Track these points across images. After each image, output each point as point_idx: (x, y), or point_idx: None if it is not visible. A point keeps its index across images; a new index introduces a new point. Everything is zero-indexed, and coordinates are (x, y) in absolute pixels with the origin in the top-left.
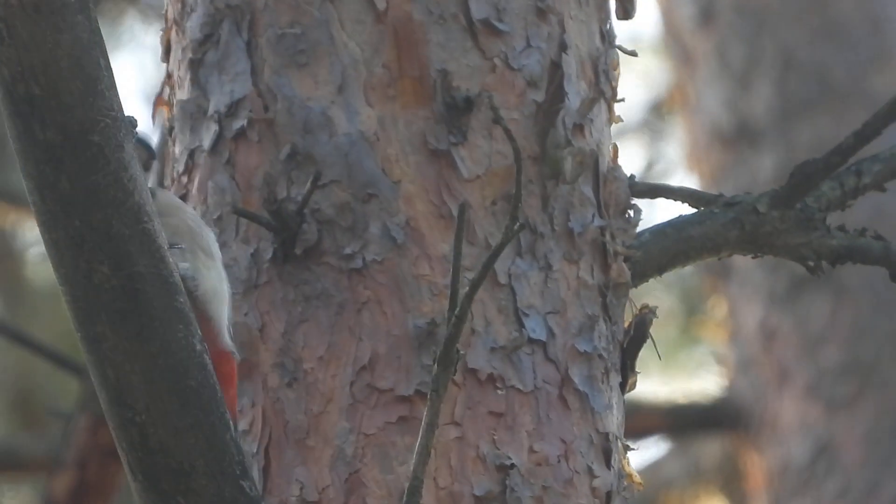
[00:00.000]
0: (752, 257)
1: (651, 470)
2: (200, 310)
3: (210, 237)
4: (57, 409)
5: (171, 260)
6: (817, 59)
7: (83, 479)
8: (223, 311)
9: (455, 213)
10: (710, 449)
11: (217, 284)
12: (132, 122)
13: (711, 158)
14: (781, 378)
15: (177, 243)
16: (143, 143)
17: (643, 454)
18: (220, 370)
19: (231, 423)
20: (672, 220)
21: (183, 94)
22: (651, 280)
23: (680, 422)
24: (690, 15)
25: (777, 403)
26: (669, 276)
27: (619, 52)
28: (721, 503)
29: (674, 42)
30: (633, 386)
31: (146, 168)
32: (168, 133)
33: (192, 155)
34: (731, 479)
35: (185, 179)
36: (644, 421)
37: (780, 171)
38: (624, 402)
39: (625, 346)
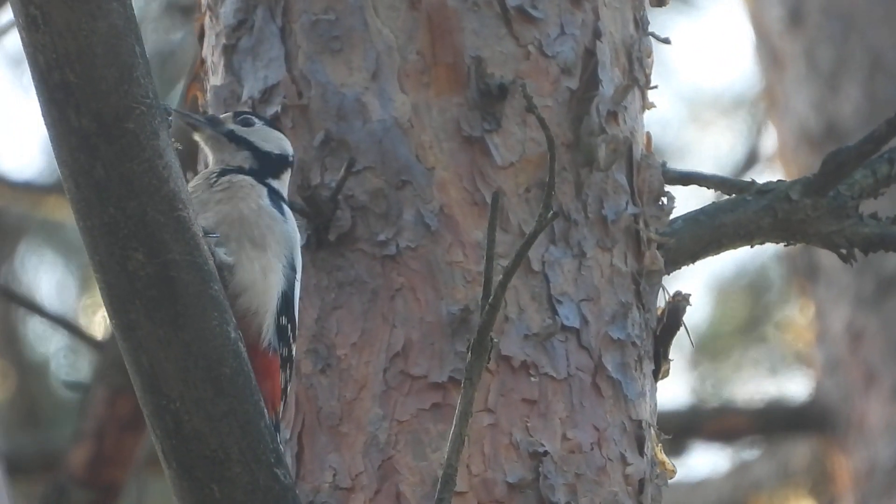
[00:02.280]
0: (785, 245)
1: (740, 472)
2: (232, 294)
3: (271, 226)
4: (75, 381)
5: (205, 247)
6: None
7: (100, 451)
8: (263, 303)
9: (489, 199)
10: (800, 451)
11: (256, 277)
12: (167, 110)
13: (799, 160)
14: (868, 380)
15: (213, 231)
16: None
17: (733, 455)
18: (254, 364)
19: (265, 410)
20: (705, 207)
21: (217, 79)
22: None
23: (769, 423)
24: (779, 17)
25: (864, 405)
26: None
27: (653, 39)
28: None
29: (762, 44)
30: (667, 374)
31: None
32: None
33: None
34: (819, 480)
35: None
36: (733, 422)
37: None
38: (657, 389)
39: (658, 333)
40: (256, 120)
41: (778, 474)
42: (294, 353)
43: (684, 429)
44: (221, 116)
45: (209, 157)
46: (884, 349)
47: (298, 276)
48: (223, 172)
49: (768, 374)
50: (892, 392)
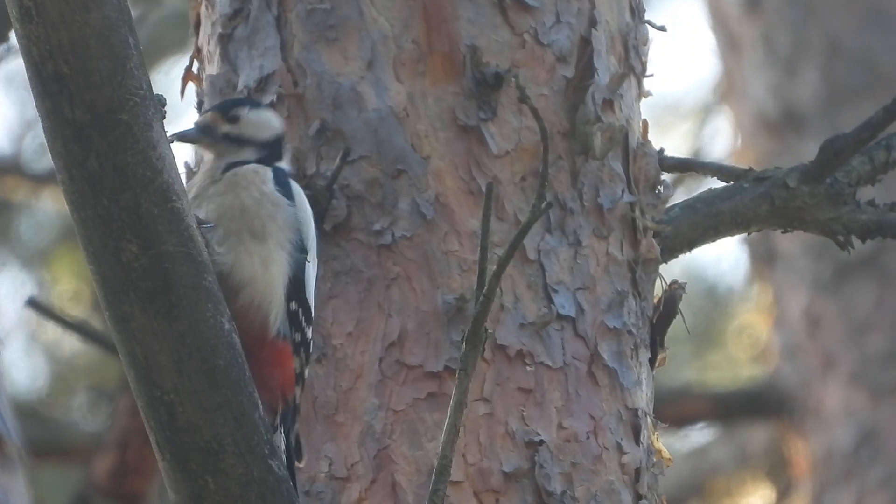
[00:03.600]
0: (782, 232)
1: (698, 455)
2: (232, 290)
3: (273, 215)
4: (100, 390)
5: (199, 238)
6: (863, 45)
7: (124, 461)
8: (266, 295)
9: (484, 188)
10: (758, 435)
11: (256, 270)
12: (161, 101)
13: (758, 145)
14: (826, 365)
15: (207, 222)
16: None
17: (690, 440)
18: (258, 354)
19: (259, 402)
20: (701, 194)
21: (212, 68)
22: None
23: (727, 408)
24: (737, 1)
25: (822, 390)
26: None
27: (650, 27)
28: (767, 489)
29: (720, 28)
30: (664, 362)
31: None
32: (197, 108)
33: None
34: (777, 465)
35: None
36: (690, 407)
37: None
38: (654, 377)
39: (654, 322)
40: (240, 110)
41: (736, 459)
42: (310, 334)
43: None
44: (205, 118)
45: (206, 156)
46: (842, 334)
47: (312, 255)
48: (228, 167)
49: (725, 360)
50: (850, 377)
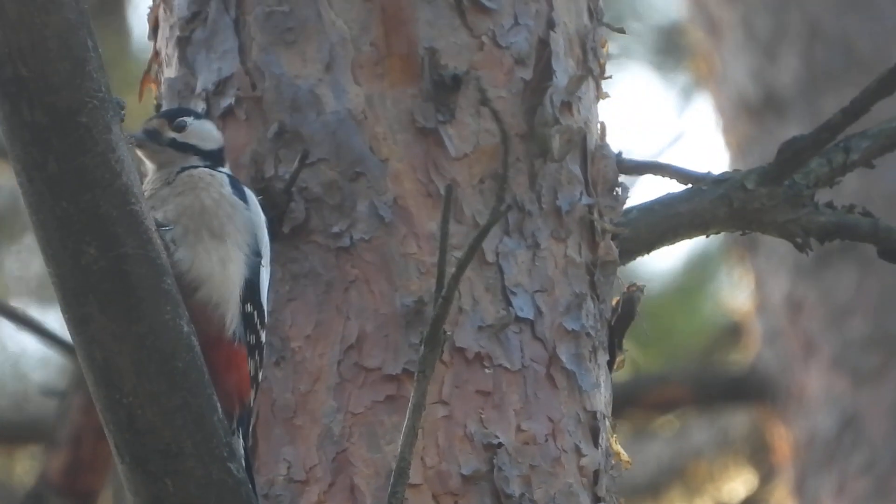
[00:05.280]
0: (741, 234)
1: (680, 440)
2: (190, 287)
3: (231, 215)
4: (51, 388)
5: (158, 241)
6: (843, 29)
7: (77, 458)
8: (223, 294)
9: (443, 191)
10: (739, 420)
11: (215, 268)
12: (120, 104)
13: (738, 129)
14: (807, 350)
15: (166, 224)
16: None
17: (672, 425)
18: (215, 356)
19: (218, 405)
20: (660, 197)
21: (171, 71)
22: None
23: (709, 393)
24: None
25: (803, 375)
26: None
27: (608, 28)
28: (749, 474)
29: (700, 12)
30: (622, 364)
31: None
32: (156, 111)
33: None
34: (758, 450)
35: None
36: (672, 392)
37: None
38: (612, 379)
39: (613, 324)
40: (185, 118)
41: (718, 443)
42: (263, 338)
43: (624, 399)
44: (152, 124)
45: (149, 166)
46: (823, 319)
47: (266, 260)
48: (182, 170)
49: (707, 344)
50: (832, 362)
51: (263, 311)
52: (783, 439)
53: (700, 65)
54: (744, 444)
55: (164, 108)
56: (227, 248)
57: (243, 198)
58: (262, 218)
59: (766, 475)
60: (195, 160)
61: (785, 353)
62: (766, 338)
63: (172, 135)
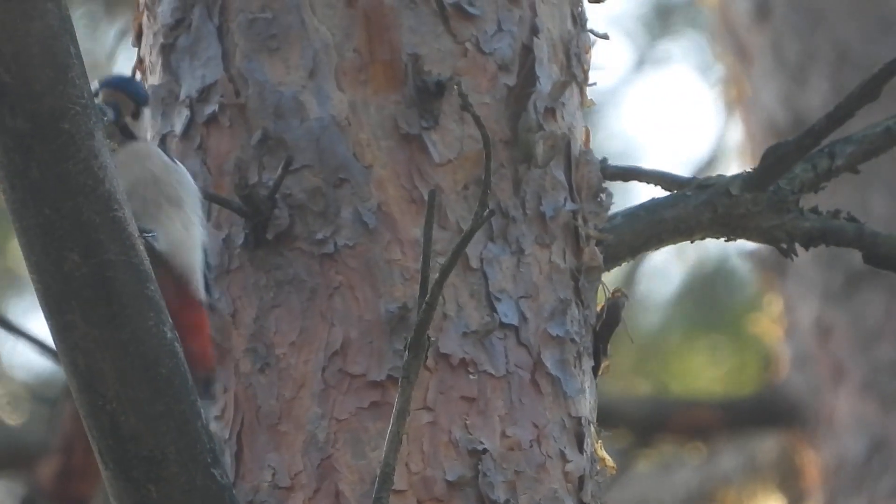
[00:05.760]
0: (726, 240)
1: (708, 467)
2: (164, 263)
3: (180, 181)
4: (43, 396)
5: (141, 247)
6: (872, 54)
7: (69, 465)
8: (191, 258)
9: (427, 197)
10: (767, 446)
11: (181, 234)
12: (102, 110)
13: None
14: (837, 374)
15: (150, 230)
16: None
17: (700, 452)
18: (186, 320)
19: (202, 410)
20: (644, 202)
21: (154, 79)
22: None
23: (737, 417)
24: (746, 10)
25: (832, 400)
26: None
27: (591, 35)
28: (778, 500)
29: (729, 37)
30: (607, 370)
31: (135, 116)
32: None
33: (163, 140)
34: (787, 475)
35: None
36: (701, 416)
37: None
38: (597, 385)
39: (597, 329)
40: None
41: (746, 469)
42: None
43: (651, 423)
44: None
45: None
46: (852, 344)
47: (204, 221)
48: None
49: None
50: (861, 386)
51: (208, 274)
52: (812, 464)
53: (730, 89)
54: (773, 470)
55: (121, 79)
56: (185, 212)
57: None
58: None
59: (796, 500)
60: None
61: (814, 378)
62: (795, 362)
63: (128, 120)
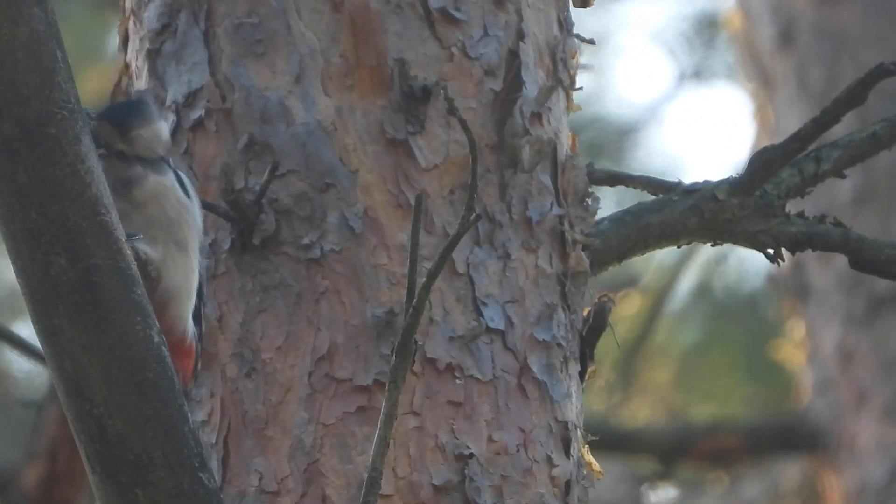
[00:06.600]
0: (712, 245)
1: (731, 492)
2: (160, 303)
3: (189, 223)
4: (28, 400)
5: (128, 252)
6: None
7: (53, 470)
8: (186, 305)
9: (413, 202)
10: (791, 471)
11: (181, 282)
12: (89, 115)
13: None
14: (859, 399)
15: (136, 234)
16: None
17: (723, 481)
18: (174, 357)
19: (189, 414)
20: (631, 207)
21: (141, 84)
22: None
23: (760, 443)
24: (770, 36)
25: (855, 425)
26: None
27: (577, 40)
28: None
29: (753, 64)
30: (593, 375)
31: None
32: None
33: None
34: (810, 501)
35: None
36: (723, 442)
37: (859, 194)
38: (583, 390)
39: (584, 334)
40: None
41: (769, 494)
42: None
43: (673, 449)
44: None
45: None
46: (875, 369)
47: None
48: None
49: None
50: (884, 411)
51: (202, 300)
52: (834, 489)
53: (755, 116)
54: (795, 496)
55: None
56: (189, 258)
57: (186, 192)
58: (198, 204)
59: None
60: (139, 167)
61: (836, 403)
62: (817, 387)
63: (122, 147)
